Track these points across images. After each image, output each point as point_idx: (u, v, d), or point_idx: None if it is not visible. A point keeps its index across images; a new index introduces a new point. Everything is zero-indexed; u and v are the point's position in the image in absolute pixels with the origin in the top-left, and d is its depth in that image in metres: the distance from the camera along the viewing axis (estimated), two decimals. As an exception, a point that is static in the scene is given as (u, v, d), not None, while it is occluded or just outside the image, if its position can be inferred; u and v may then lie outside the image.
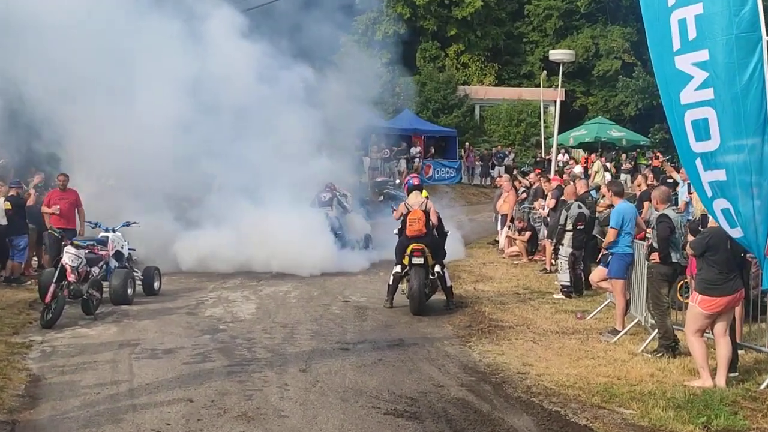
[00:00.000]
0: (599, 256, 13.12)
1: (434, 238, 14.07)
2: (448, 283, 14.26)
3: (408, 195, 14.49)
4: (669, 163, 27.26)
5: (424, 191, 14.71)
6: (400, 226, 14.17)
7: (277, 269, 18.08)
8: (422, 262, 13.64)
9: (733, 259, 9.04)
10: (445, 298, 14.26)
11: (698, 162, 8.39)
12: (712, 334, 9.32)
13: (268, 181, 19.72)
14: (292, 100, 21.11)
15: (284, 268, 18.04)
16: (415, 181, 14.70)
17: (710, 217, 9.90)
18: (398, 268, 13.98)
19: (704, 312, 9.05)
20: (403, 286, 14.18)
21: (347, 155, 23.67)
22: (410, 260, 13.69)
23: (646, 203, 18.16)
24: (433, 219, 14.11)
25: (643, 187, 19.85)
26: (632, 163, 40.44)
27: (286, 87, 21.15)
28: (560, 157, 38.92)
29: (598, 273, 12.84)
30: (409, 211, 13.94)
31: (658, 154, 38.85)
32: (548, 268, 18.27)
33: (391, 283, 14.21)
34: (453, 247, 17.48)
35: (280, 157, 20.19)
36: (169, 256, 18.14)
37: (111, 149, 17.91)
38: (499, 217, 23.17)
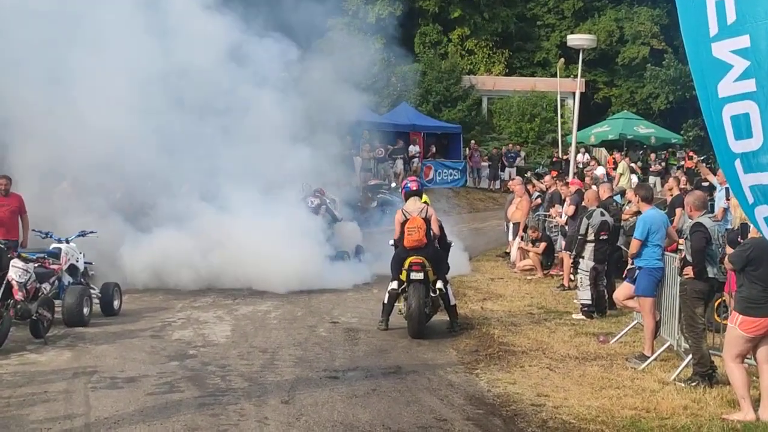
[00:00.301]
0: (625, 271, 13.15)
1: (436, 250, 14.07)
2: (452, 302, 14.26)
3: (405, 200, 14.46)
4: (704, 164, 27.31)
5: (423, 196, 14.75)
6: (396, 236, 14.14)
7: (247, 284, 18.12)
8: (422, 277, 13.63)
9: None
10: (447, 318, 14.28)
11: (738, 163, 8.38)
12: (755, 360, 9.34)
13: (237, 179, 19.67)
14: (267, 83, 21.03)
15: (254, 282, 18.10)
16: (414, 186, 14.60)
17: (751, 226, 9.91)
18: (394, 285, 13.95)
19: (745, 335, 9.02)
20: (400, 304, 14.18)
21: (334, 153, 23.65)
22: (408, 275, 13.67)
23: (678, 210, 18.20)
24: (435, 228, 14.13)
25: (675, 192, 19.91)
26: (662, 164, 40.56)
27: (260, 67, 21.06)
28: (580, 157, 39.01)
29: (623, 290, 12.86)
30: (406, 219, 13.91)
31: (692, 153, 38.98)
32: (566, 285, 18.31)
33: (386, 301, 14.18)
34: (456, 260, 17.44)
35: (253, 150, 20.13)
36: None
37: (58, 144, 17.92)
38: (511, 225, 23.19)
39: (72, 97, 18.11)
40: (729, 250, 11.13)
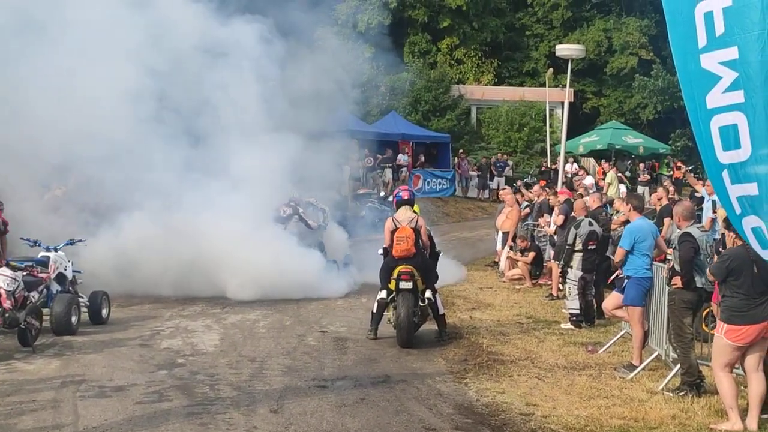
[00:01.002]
0: (612, 278, 13.21)
1: (424, 260, 14.08)
2: (441, 311, 14.27)
3: (396, 209, 14.45)
4: (692, 174, 27.41)
5: (415, 206, 14.74)
6: (386, 244, 14.13)
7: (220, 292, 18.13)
8: (411, 286, 13.65)
9: (761, 283, 9.04)
10: (436, 327, 14.29)
11: (725, 174, 8.44)
12: (743, 369, 9.38)
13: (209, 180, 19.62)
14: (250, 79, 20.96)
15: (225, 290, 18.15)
16: (405, 195, 14.57)
17: (731, 238, 9.98)
18: (383, 294, 13.97)
19: (731, 343, 9.08)
20: (389, 314, 14.19)
21: (323, 161, 23.63)
22: (397, 284, 13.68)
23: (666, 220, 18.30)
24: (424, 238, 14.15)
25: (664, 202, 19.98)
26: (650, 174, 40.68)
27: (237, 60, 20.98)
28: (568, 167, 39.10)
29: (612, 299, 12.91)
30: (396, 228, 13.92)
31: (680, 163, 39.15)
32: (555, 294, 18.34)
33: (375, 310, 14.19)
34: (451, 268, 17.49)
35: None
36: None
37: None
38: (500, 235, 23.22)
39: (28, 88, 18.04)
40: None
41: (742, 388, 9.53)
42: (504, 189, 27.79)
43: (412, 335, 13.68)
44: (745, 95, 8.10)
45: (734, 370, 9.47)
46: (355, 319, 15.99)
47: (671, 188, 24.85)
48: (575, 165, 40.58)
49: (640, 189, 38.02)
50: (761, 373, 9.16)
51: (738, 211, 8.43)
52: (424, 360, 12.74)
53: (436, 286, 14.48)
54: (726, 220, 9.96)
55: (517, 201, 23.69)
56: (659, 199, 20.63)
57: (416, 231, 13.91)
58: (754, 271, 9.02)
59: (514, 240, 22.14)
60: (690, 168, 34.59)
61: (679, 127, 45.56)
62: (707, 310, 11.71)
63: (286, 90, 21.84)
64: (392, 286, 13.77)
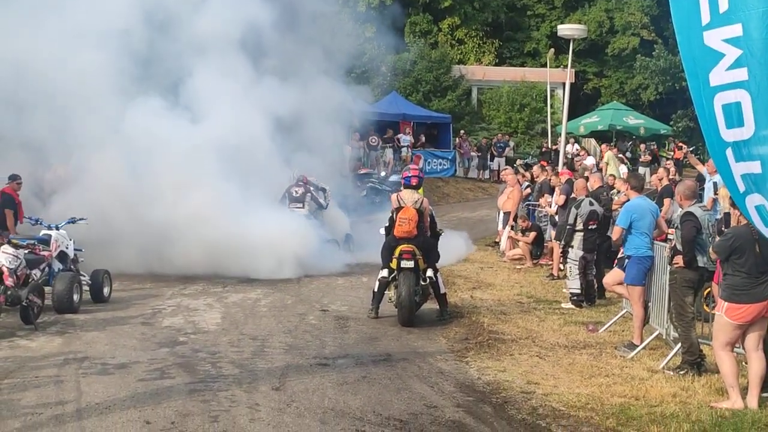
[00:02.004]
0: (615, 260, 13.23)
1: (426, 239, 14.10)
2: (442, 290, 14.30)
3: (403, 188, 14.39)
4: (694, 155, 27.39)
5: (420, 189, 14.74)
6: (387, 224, 14.19)
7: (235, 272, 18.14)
8: (412, 265, 13.67)
9: (764, 262, 9.07)
10: (437, 307, 14.33)
11: (729, 152, 8.43)
12: (743, 348, 9.40)
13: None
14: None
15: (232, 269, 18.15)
16: (414, 182, 14.38)
17: (736, 216, 9.98)
18: (385, 273, 13.98)
19: (732, 322, 9.13)
20: (390, 292, 14.21)
21: (324, 141, 23.63)
22: (399, 263, 13.71)
23: (666, 200, 18.29)
24: (426, 221, 14.15)
25: (665, 182, 19.97)
26: (651, 155, 40.59)
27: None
28: (569, 147, 39.02)
29: (613, 275, 12.94)
30: (400, 207, 13.93)
31: (681, 144, 39.04)
32: (555, 274, 18.36)
33: (376, 289, 14.23)
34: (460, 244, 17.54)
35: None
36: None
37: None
38: (501, 215, 23.24)
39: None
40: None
41: (743, 364, 9.55)
42: (505, 169, 27.73)
43: (414, 314, 13.72)
44: (749, 73, 8.07)
45: (735, 350, 9.49)
46: (356, 298, 16.02)
47: (672, 169, 24.85)
48: (576, 146, 40.49)
49: (641, 170, 37.96)
50: (761, 352, 9.18)
51: (742, 189, 8.42)
52: (426, 339, 12.77)
53: (438, 265, 14.52)
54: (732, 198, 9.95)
55: (518, 181, 23.68)
56: (660, 180, 20.63)
57: (420, 212, 13.90)
58: (756, 251, 9.04)
59: (515, 220, 22.14)
60: (691, 149, 34.56)
61: (681, 108, 45.49)
62: (708, 290, 11.72)
63: (286, 66, 21.83)
64: (394, 265, 13.79)
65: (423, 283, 13.94)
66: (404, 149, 38.57)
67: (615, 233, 12.24)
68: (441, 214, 18.17)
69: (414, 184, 14.37)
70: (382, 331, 13.23)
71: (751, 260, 9.06)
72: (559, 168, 24.13)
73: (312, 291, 16.91)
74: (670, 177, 20.97)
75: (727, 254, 9.23)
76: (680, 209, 11.10)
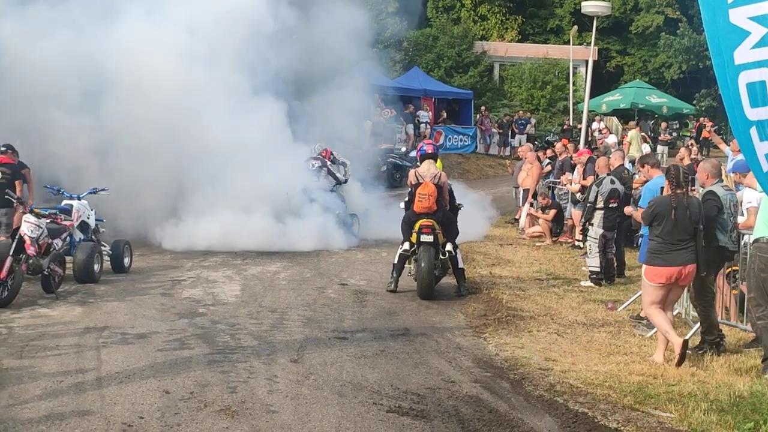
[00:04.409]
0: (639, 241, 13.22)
1: (445, 214, 14.21)
2: (460, 265, 14.35)
3: (420, 162, 14.57)
4: (717, 134, 27.22)
5: (438, 161, 14.83)
6: (407, 199, 14.31)
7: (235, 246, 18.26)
8: (432, 240, 13.79)
9: (681, 230, 9.91)
10: (456, 283, 14.37)
11: (753, 131, 8.37)
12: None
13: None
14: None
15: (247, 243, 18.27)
16: (430, 149, 14.69)
17: (667, 186, 10.29)
18: (406, 246, 14.07)
19: (650, 283, 10.08)
20: (410, 266, 14.32)
21: (344, 116, 23.60)
22: (418, 238, 13.82)
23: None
24: (445, 195, 14.27)
25: (687, 162, 19.85)
26: (672, 133, 40.36)
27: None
28: (595, 125, 38.88)
29: None
30: (419, 183, 14.04)
31: (708, 122, 38.71)
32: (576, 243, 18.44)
33: (396, 262, 14.29)
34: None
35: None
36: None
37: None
38: (521, 192, 23.19)
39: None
40: (740, 219, 11.17)
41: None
42: (523, 146, 27.65)
43: (433, 288, 13.81)
44: (775, 51, 8.02)
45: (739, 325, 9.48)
46: (374, 272, 16.04)
47: (694, 148, 24.71)
48: (602, 123, 40.27)
49: (659, 148, 37.80)
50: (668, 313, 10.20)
51: (765, 168, 8.37)
52: (444, 314, 12.80)
53: (457, 241, 14.60)
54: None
55: (538, 158, 23.60)
56: (681, 159, 20.49)
57: (438, 187, 14.01)
58: (672, 218, 9.91)
59: (534, 197, 22.09)
60: (714, 128, 34.33)
61: (704, 87, 45.21)
62: (729, 269, 11.67)
63: (307, 42, 21.78)
64: (414, 239, 13.90)
65: (442, 257, 14.04)
66: (423, 125, 38.48)
67: (637, 216, 12.15)
68: (460, 191, 18.07)
69: (430, 151, 14.58)
70: (400, 305, 13.25)
71: (667, 227, 9.93)
72: (581, 146, 24.06)
73: (331, 265, 16.95)
74: (692, 156, 20.82)
75: (649, 221, 10.13)
76: (702, 188, 11.05)
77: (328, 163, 20.55)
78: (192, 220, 18.44)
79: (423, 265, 13.66)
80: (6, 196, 15.10)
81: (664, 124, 40.98)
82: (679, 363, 9.72)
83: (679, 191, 10.07)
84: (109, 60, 18.63)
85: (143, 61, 18.58)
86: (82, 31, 18.62)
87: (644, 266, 10.20)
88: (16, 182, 15.89)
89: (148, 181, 18.66)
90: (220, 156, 18.93)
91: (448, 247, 14.03)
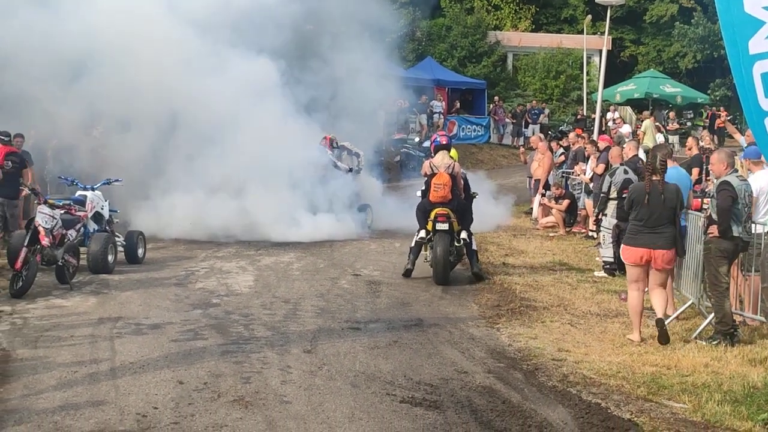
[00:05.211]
0: None
1: (460, 203, 14.52)
2: (474, 247, 14.70)
3: (434, 153, 14.89)
4: (731, 124, 27.12)
5: (452, 151, 15.19)
6: (423, 188, 14.61)
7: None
8: (447, 227, 14.16)
9: (651, 217, 10.45)
10: (470, 273, 14.63)
11: (767, 121, 8.36)
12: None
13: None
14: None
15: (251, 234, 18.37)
16: (443, 140, 15.19)
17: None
18: (422, 234, 14.42)
19: (626, 262, 10.84)
20: (426, 253, 14.59)
21: (358, 105, 23.56)
22: (434, 225, 14.17)
23: (695, 170, 18.09)
24: (459, 185, 14.57)
25: (695, 152, 19.76)
26: (685, 123, 40.15)
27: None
28: (609, 114, 38.71)
29: None
30: (434, 173, 14.36)
31: (723, 112, 38.47)
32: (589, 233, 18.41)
33: (413, 245, 14.66)
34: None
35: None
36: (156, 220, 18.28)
37: None
38: (533, 182, 23.16)
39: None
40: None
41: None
42: (534, 136, 27.56)
43: (448, 273, 14.17)
44: (790, 41, 7.98)
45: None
46: (388, 263, 16.05)
47: (707, 138, 24.56)
48: (617, 113, 40.09)
49: (671, 138, 37.60)
50: (660, 289, 10.72)
51: (779, 158, 8.35)
52: (457, 305, 12.79)
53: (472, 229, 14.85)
54: None
55: (551, 148, 23.54)
56: (689, 149, 20.38)
57: (453, 177, 14.35)
58: (645, 203, 10.46)
59: (546, 187, 22.05)
60: (729, 117, 34.15)
61: (719, 77, 44.96)
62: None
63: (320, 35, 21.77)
64: (430, 227, 14.23)
65: (457, 245, 14.41)
66: (436, 115, 38.40)
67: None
68: (474, 181, 18.03)
69: (444, 143, 15.05)
70: (413, 296, 13.26)
71: (642, 212, 10.51)
72: (595, 136, 23.98)
73: (344, 255, 16.96)
74: (700, 146, 20.70)
75: (629, 206, 10.79)
76: (716, 179, 11.01)
77: (332, 154, 20.44)
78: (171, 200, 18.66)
79: (438, 252, 14.01)
80: (20, 186, 15.17)
81: (672, 114, 40.75)
82: (660, 339, 10.28)
83: (654, 178, 10.62)
84: (93, 33, 18.41)
85: (128, 32, 18.51)
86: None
87: (622, 247, 10.97)
88: (24, 171, 15.93)
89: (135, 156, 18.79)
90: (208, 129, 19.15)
91: (463, 234, 14.38)
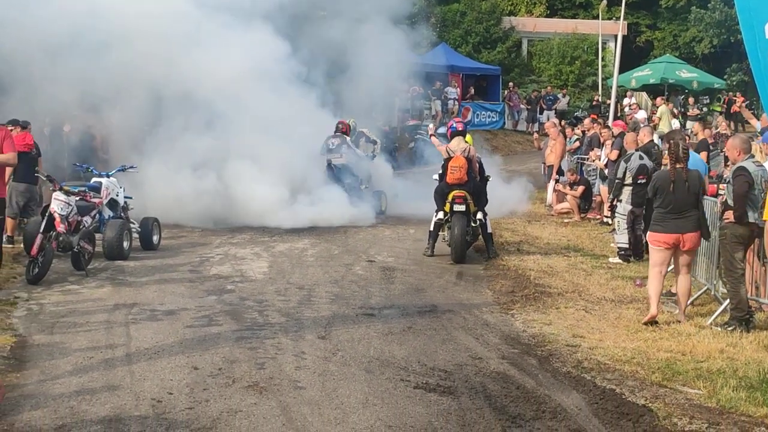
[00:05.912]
0: None
1: (476, 185, 15.16)
2: (489, 230, 15.40)
3: (450, 139, 15.49)
4: (747, 109, 26.95)
5: (468, 136, 15.89)
6: (441, 171, 15.26)
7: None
8: (464, 209, 14.81)
9: (677, 203, 10.66)
10: (485, 257, 15.17)
11: (783, 106, 8.33)
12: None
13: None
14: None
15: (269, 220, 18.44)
16: (460, 127, 15.80)
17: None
18: (440, 215, 15.08)
19: (653, 247, 10.95)
20: (444, 233, 15.26)
21: (373, 92, 23.56)
22: (451, 207, 14.81)
23: (703, 154, 18.02)
24: (475, 168, 15.19)
25: (701, 137, 19.68)
26: (701, 108, 39.93)
27: None
28: (626, 100, 38.55)
29: None
30: (450, 157, 14.99)
31: (739, 97, 38.21)
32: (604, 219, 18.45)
33: (432, 229, 15.25)
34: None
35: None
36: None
37: None
38: (547, 168, 23.12)
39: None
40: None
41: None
42: (548, 122, 27.50)
43: (465, 252, 14.90)
44: (806, 25, 7.93)
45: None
46: (402, 249, 16.07)
47: (723, 123, 24.46)
48: (633, 98, 39.90)
49: (689, 124, 37.43)
50: (686, 276, 10.96)
51: (795, 143, 8.31)
52: (471, 291, 12.80)
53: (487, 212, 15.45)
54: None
55: (565, 134, 23.49)
56: (696, 134, 20.30)
57: (468, 160, 14.98)
58: (671, 191, 10.69)
59: (559, 173, 22.01)
60: (746, 102, 33.91)
61: (736, 62, 44.63)
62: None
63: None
64: (447, 208, 14.88)
65: (473, 225, 15.05)
66: (451, 102, 38.33)
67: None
68: (488, 166, 17.99)
69: (460, 129, 15.68)
70: (428, 282, 13.27)
71: (667, 199, 10.73)
72: (610, 122, 23.90)
73: (359, 242, 16.98)
74: (722, 132, 20.64)
75: (653, 193, 10.98)
76: (732, 165, 10.95)
77: (348, 139, 20.43)
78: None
79: (456, 231, 14.75)
80: (36, 174, 15.23)
81: (691, 100, 40.52)
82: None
83: (678, 166, 10.82)
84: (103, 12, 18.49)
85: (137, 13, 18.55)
86: None
87: (649, 233, 11.13)
88: (39, 159, 16.02)
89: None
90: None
91: (479, 215, 15.10)
